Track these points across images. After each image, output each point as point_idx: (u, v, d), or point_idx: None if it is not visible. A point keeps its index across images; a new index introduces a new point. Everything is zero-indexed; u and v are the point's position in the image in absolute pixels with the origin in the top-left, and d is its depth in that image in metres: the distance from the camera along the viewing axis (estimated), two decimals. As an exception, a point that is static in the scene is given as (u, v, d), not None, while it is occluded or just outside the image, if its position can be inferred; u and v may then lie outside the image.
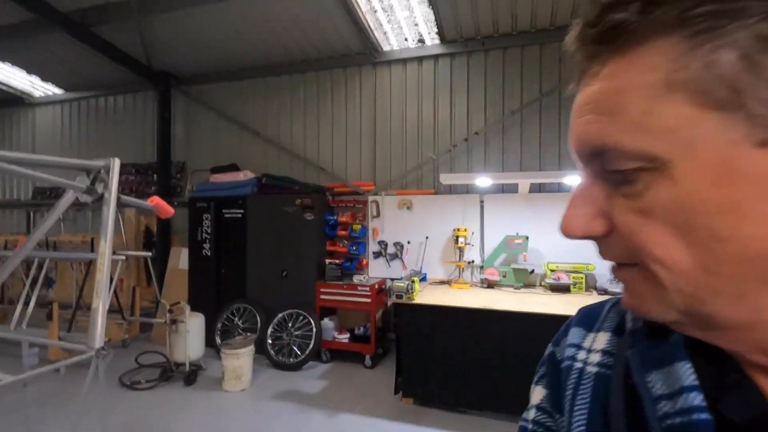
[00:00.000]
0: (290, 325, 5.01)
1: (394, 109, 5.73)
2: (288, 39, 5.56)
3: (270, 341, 4.98)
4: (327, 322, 5.07)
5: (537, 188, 4.90)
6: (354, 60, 5.84)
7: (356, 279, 5.14)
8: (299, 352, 4.88)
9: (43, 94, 7.77)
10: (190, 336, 4.55)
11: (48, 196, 7.68)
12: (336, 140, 6.00)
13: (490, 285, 4.54)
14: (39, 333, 5.08)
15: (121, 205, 2.22)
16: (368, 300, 4.85)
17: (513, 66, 5.21)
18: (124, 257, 5.15)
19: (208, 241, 5.70)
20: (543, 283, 4.46)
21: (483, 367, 3.60)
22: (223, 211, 5.64)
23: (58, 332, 4.99)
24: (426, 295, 4.00)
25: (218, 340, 5.22)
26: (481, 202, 4.99)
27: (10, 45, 6.04)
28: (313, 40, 5.54)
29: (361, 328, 5.14)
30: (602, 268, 4.28)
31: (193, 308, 5.52)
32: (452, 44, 5.37)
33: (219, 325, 5.31)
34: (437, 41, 5.39)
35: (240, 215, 5.54)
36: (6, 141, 8.32)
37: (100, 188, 2.03)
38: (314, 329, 4.89)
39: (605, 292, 4.16)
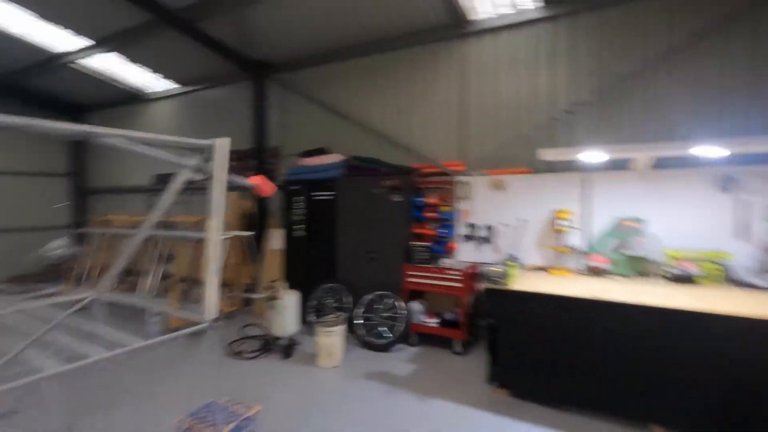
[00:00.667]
0: (378, 306, 5.02)
1: (484, 83, 5.37)
2: (374, 16, 5.46)
3: (359, 322, 5.05)
4: (415, 306, 5.00)
5: (656, 164, 4.26)
6: (441, 34, 5.56)
7: (445, 262, 4.97)
8: (388, 334, 4.89)
9: (161, 90, 8.66)
10: (287, 312, 4.77)
11: (167, 182, 8.62)
12: (424, 119, 5.82)
13: (597, 273, 4.08)
14: (159, 303, 5.74)
15: (228, 184, 2.31)
16: (459, 284, 4.67)
17: (634, 20, 4.55)
18: (227, 236, 5.56)
19: (300, 222, 5.93)
20: (662, 273, 3.89)
21: (591, 363, 3.24)
22: (314, 193, 5.81)
23: (176, 303, 5.57)
24: (524, 282, 3.71)
25: (310, 319, 5.43)
26: (587, 181, 4.48)
27: (136, 48, 6.77)
28: (400, 14, 5.37)
29: (451, 313, 4.98)
30: (742, 258, 3.59)
31: (289, 287, 5.82)
32: (555, 5, 4.84)
33: (312, 304, 5.52)
34: (539, 4, 4.90)
35: (329, 197, 5.66)
36: (132, 134, 9.50)
37: (209, 167, 2.11)
38: (402, 312, 4.85)
39: (751, 286, 3.46)
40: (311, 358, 4.62)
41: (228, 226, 7.22)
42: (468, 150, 5.47)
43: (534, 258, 4.67)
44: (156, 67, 7.74)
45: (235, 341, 5.16)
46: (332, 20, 5.62)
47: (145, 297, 5.94)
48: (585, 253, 4.31)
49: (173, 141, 2.09)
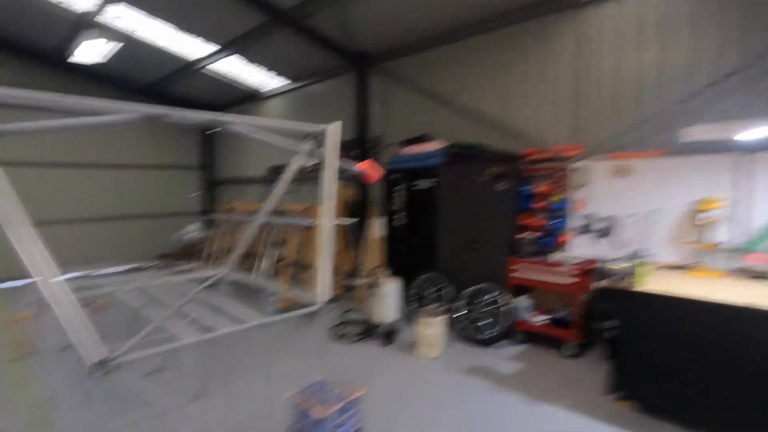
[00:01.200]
0: (481, 299, 4.81)
1: (605, 57, 4.75)
2: (480, -5, 5.16)
3: (460, 314, 4.89)
4: (521, 301, 4.68)
5: None
6: (554, 5, 5.05)
7: (555, 257, 4.56)
8: (490, 329, 4.66)
9: (277, 86, 9.34)
10: (388, 299, 4.82)
11: (279, 173, 9.33)
12: (533, 101, 5.38)
13: (754, 275, 3.37)
14: (273, 284, 6.22)
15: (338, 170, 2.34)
16: (573, 281, 4.24)
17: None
18: (335, 223, 5.80)
19: (400, 211, 5.94)
20: None
21: (742, 381, 2.68)
22: (414, 182, 5.76)
23: (285, 285, 6.00)
24: (658, 282, 3.20)
25: (410, 307, 5.43)
26: (743, 164, 3.70)
27: (254, 48, 7.37)
28: (509, -10, 5.00)
29: (562, 312, 4.57)
30: None
31: (390, 275, 5.88)
32: (700, -44, 4.06)
33: (412, 292, 5.51)
34: (676, -43, 4.16)
35: (430, 186, 5.56)
36: (250, 130, 10.45)
37: (321, 152, 2.15)
38: (506, 307, 4.58)
39: None
40: (411, 347, 4.61)
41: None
42: (584, 132, 4.92)
43: (667, 255, 4.04)
44: (270, 66, 8.35)
45: (337, 325, 5.38)
46: (435, 2, 5.45)
47: (261, 278, 6.52)
48: (738, 251, 3.59)
49: (289, 127, 2.17)
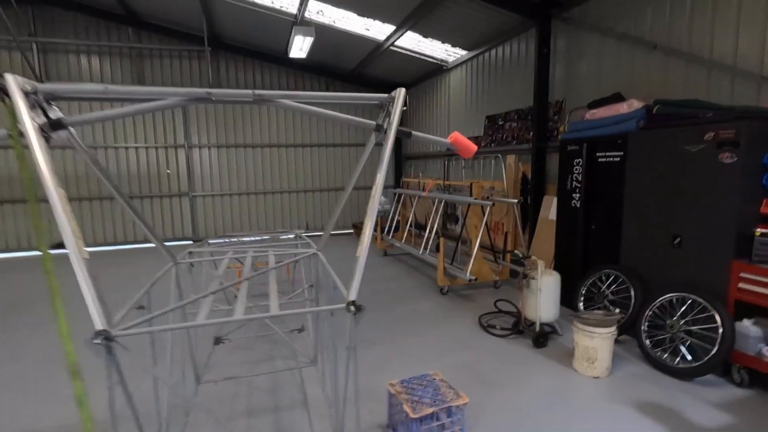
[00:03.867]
0: (679, 313, 3.54)
1: None
2: None
3: (646, 327, 3.73)
4: (747, 326, 3.22)
5: None
6: None
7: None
8: (690, 356, 3.40)
9: (454, 59, 9.02)
10: (542, 295, 4.08)
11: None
12: (805, 25, 3.47)
13: None
14: (434, 257, 6.12)
15: (405, 137, 1.97)
16: None
17: None
18: (490, 203, 5.25)
19: (577, 190, 4.89)
20: None
21: None
22: (597, 154, 4.61)
23: (444, 262, 5.81)
24: None
25: (580, 306, 4.47)
26: None
27: (426, 21, 7.21)
28: None
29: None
30: None
31: (559, 264, 5.00)
32: None
33: (583, 290, 4.52)
34: None
35: (618, 158, 4.34)
36: (427, 106, 10.45)
37: (386, 122, 1.83)
38: (720, 329, 3.23)
39: None
40: (567, 357, 3.80)
41: (506, 191, 6.90)
42: None
43: None
44: (444, 37, 8.02)
45: (487, 313, 4.91)
46: None
47: (427, 252, 6.53)
48: None
49: (352, 97, 1.91)
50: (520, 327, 4.28)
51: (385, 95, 1.82)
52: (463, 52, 8.52)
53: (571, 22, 5.81)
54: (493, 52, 7.69)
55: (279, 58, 10.48)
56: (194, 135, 10.54)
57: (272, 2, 7.74)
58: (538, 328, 4.07)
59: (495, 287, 6.01)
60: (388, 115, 1.83)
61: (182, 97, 1.61)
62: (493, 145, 7.62)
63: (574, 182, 4.94)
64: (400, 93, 1.77)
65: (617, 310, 4.09)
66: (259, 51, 10.50)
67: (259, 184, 11.17)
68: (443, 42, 8.35)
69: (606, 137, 4.47)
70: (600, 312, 3.70)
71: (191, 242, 10.78)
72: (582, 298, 4.51)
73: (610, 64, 5.27)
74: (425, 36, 8.01)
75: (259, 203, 11.23)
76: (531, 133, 6.55)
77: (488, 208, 5.38)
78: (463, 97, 8.86)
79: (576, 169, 4.89)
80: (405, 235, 8.07)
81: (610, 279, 4.31)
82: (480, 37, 7.65)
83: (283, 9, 7.91)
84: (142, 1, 8.87)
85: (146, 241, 10.43)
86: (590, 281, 4.49)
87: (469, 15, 6.76)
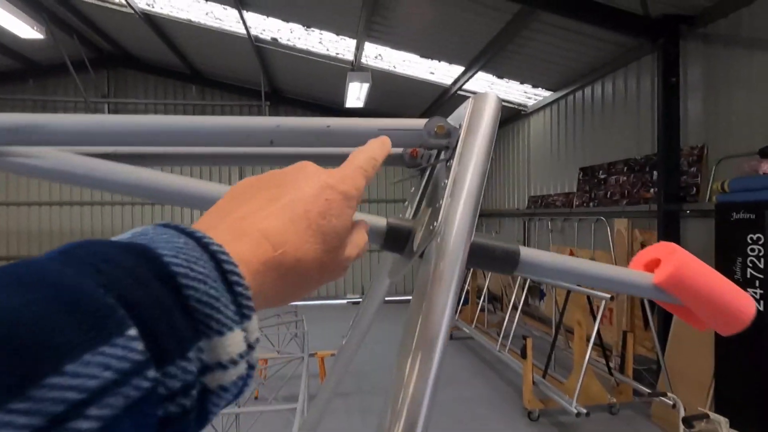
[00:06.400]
0: None
1: None
2: None
3: None
4: None
5: None
6: None
7: None
8: None
9: (535, 102, 7.64)
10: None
11: (539, 204, 7.44)
12: None
13: None
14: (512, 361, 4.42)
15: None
16: None
17: None
18: (608, 296, 3.58)
19: (758, 283, 3.08)
20: None
21: None
22: (800, 228, 2.85)
23: (533, 372, 4.09)
24: None
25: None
26: None
27: (499, 59, 6.01)
28: None
29: None
30: None
31: (722, 400, 3.14)
32: None
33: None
34: None
35: None
36: (504, 153, 8.98)
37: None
38: None
39: None
40: None
41: (614, 265, 5.11)
42: None
43: None
44: (523, 77, 6.73)
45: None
46: None
47: (500, 349, 4.85)
48: None
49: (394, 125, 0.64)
50: None
51: (439, 120, 0.52)
52: (547, 93, 7.12)
53: (712, 40, 4.22)
54: (587, 90, 6.20)
55: (337, 109, 9.86)
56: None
57: (327, 50, 7.09)
58: None
59: (611, 413, 4.13)
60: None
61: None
62: (592, 204, 5.92)
63: (749, 269, 3.15)
64: (492, 98, 0.47)
65: None
66: (317, 103, 10.00)
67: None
68: (522, 83, 7.06)
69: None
70: None
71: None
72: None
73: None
74: (500, 77, 6.79)
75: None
76: (653, 191, 4.83)
77: (603, 304, 3.68)
78: (548, 145, 7.33)
79: (753, 249, 3.12)
80: (477, 313, 6.44)
81: None
82: (570, 74, 6.23)
83: (339, 56, 7.22)
84: (204, 59, 8.81)
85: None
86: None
87: (553, 46, 5.44)
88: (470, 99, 0.51)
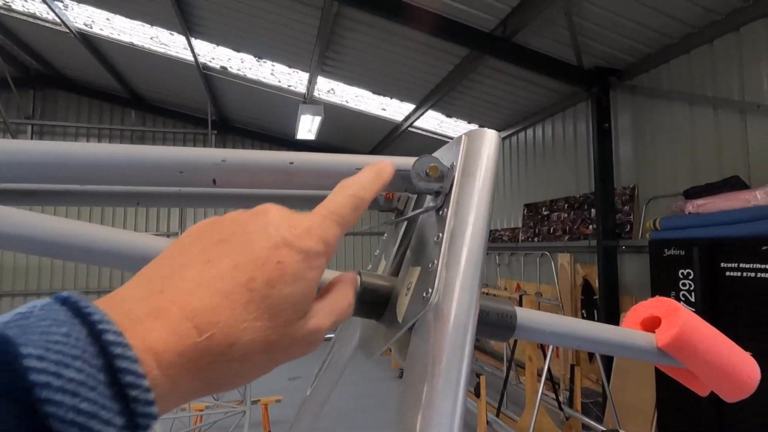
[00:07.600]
0: None
1: None
2: None
3: None
4: None
5: None
6: None
7: None
8: None
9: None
10: None
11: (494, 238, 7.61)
12: None
13: None
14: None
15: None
16: None
17: None
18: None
19: (691, 315, 3.27)
20: None
21: None
22: (724, 265, 3.07)
23: (486, 411, 4.02)
24: None
25: None
26: None
27: (448, 99, 6.23)
28: None
29: None
30: None
31: (664, 430, 3.23)
32: None
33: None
34: None
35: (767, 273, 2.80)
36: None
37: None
38: None
39: None
40: None
41: (560, 299, 5.31)
42: None
43: None
44: (470, 117, 7.04)
45: None
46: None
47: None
48: None
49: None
50: None
51: (431, 159, 0.44)
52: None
53: (638, 91, 4.65)
54: (530, 131, 6.58)
55: (288, 141, 9.71)
56: (189, 222, 9.47)
57: (279, 81, 7.03)
58: None
59: (562, 449, 4.11)
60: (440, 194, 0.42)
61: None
62: (536, 239, 6.16)
63: (682, 302, 3.33)
64: (490, 135, 0.40)
65: None
66: (267, 134, 9.81)
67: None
68: (469, 122, 7.37)
69: (739, 240, 2.98)
70: None
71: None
72: None
73: (707, 135, 3.93)
74: (448, 116, 7.04)
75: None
76: (591, 227, 5.11)
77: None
78: (501, 184, 7.63)
79: (684, 284, 3.33)
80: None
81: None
82: (514, 116, 6.60)
83: (292, 88, 7.17)
84: (147, 83, 8.40)
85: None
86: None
87: (499, 89, 5.76)
88: (462, 136, 0.44)
